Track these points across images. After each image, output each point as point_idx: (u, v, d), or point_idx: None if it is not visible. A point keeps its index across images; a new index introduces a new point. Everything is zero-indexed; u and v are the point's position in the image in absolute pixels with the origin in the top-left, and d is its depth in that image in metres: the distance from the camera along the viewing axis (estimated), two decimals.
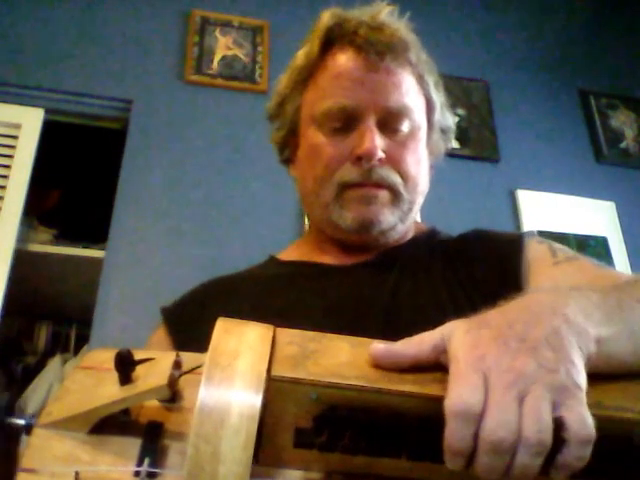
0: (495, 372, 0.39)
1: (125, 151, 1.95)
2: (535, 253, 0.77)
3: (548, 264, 0.74)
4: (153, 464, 0.40)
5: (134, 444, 0.42)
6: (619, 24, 2.74)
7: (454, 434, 0.38)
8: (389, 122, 0.79)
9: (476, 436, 0.38)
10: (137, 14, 2.17)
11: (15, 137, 1.89)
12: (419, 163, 0.82)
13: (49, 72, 1.99)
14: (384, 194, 0.78)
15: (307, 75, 0.83)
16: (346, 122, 0.79)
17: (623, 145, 2.48)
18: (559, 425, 0.38)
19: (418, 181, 0.81)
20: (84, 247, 2.01)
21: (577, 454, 0.38)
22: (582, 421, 0.38)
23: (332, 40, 0.82)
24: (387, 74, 0.79)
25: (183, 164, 1.97)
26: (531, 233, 0.83)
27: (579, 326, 0.43)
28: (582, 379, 0.40)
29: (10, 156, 1.86)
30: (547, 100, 2.48)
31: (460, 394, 0.38)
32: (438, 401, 0.39)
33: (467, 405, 0.38)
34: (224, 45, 2.18)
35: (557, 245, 0.78)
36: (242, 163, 2.00)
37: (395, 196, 0.79)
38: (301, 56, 0.85)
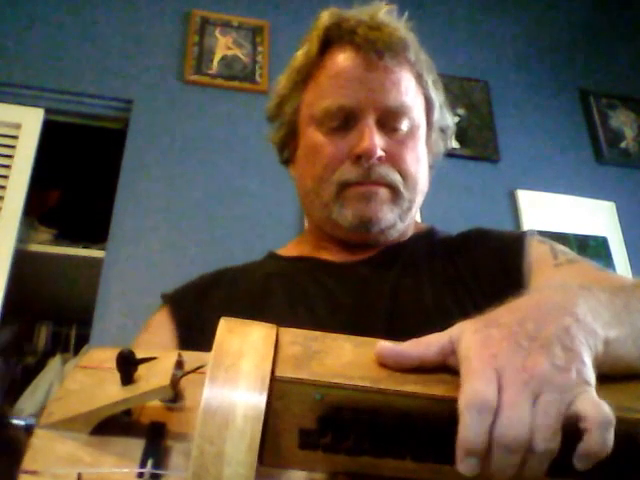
0: (508, 370, 0.39)
1: (125, 151, 1.95)
2: (536, 254, 0.77)
3: (549, 266, 0.74)
4: (156, 465, 0.40)
5: (137, 445, 0.42)
6: (619, 24, 2.74)
7: (469, 428, 0.37)
8: (388, 121, 0.79)
9: (490, 434, 0.37)
10: (137, 14, 2.17)
11: (15, 137, 1.89)
12: (418, 162, 0.82)
13: (49, 72, 1.99)
14: (384, 192, 0.78)
15: (306, 75, 0.83)
16: (345, 121, 0.79)
17: (623, 145, 2.48)
18: (576, 419, 0.38)
19: (417, 180, 0.81)
20: (84, 247, 2.01)
21: (599, 439, 0.37)
22: (597, 406, 0.38)
23: (331, 40, 0.82)
24: (386, 73, 0.79)
25: (183, 164, 1.97)
26: (532, 232, 0.82)
27: (588, 326, 0.43)
28: (592, 378, 0.40)
29: (10, 156, 1.86)
30: (547, 100, 2.48)
31: (475, 388, 0.38)
32: (443, 402, 0.39)
33: (483, 398, 0.37)
34: (224, 45, 2.18)
35: (558, 246, 0.78)
36: (242, 163, 2.00)
37: (395, 194, 0.79)
38: (300, 56, 0.85)
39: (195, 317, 0.78)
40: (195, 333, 0.74)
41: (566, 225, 2.21)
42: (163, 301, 0.85)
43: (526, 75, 2.51)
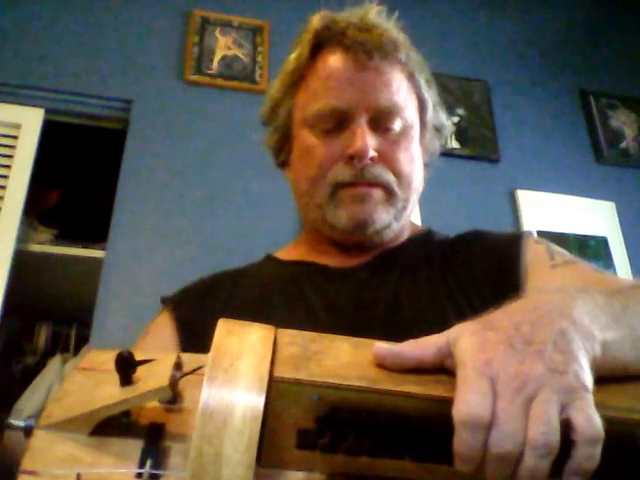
0: (502, 377, 0.39)
1: (125, 151, 1.95)
2: (533, 254, 0.77)
3: (545, 267, 0.74)
4: (155, 466, 0.40)
5: (135, 446, 0.42)
6: (619, 24, 2.74)
7: (464, 443, 0.38)
8: (380, 121, 0.79)
9: (485, 443, 0.38)
10: (137, 14, 2.17)
11: (15, 137, 1.89)
12: (412, 161, 0.82)
13: (49, 72, 1.99)
14: (378, 193, 0.78)
15: (298, 78, 0.84)
16: (337, 123, 0.79)
17: (623, 145, 2.48)
18: (567, 427, 0.38)
19: (412, 179, 0.82)
20: (84, 247, 2.01)
21: (586, 454, 0.37)
22: (590, 421, 0.38)
23: (321, 42, 0.82)
24: (376, 73, 0.79)
25: (183, 164, 1.97)
26: (529, 233, 0.83)
27: (586, 329, 0.43)
28: (589, 381, 0.40)
29: (10, 156, 1.86)
30: (547, 100, 2.48)
31: (468, 403, 0.38)
32: (441, 402, 0.39)
33: (476, 415, 0.37)
34: (224, 45, 2.18)
35: (555, 247, 0.78)
36: (242, 163, 2.00)
37: (389, 194, 0.79)
38: (292, 60, 0.85)
39: (195, 320, 0.78)
40: (196, 336, 0.74)
41: (566, 225, 2.21)
42: (163, 304, 0.85)
43: (526, 75, 2.51)
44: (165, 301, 0.85)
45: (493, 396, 0.38)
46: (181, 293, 0.87)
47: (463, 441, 0.38)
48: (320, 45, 0.82)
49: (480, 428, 0.37)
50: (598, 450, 0.38)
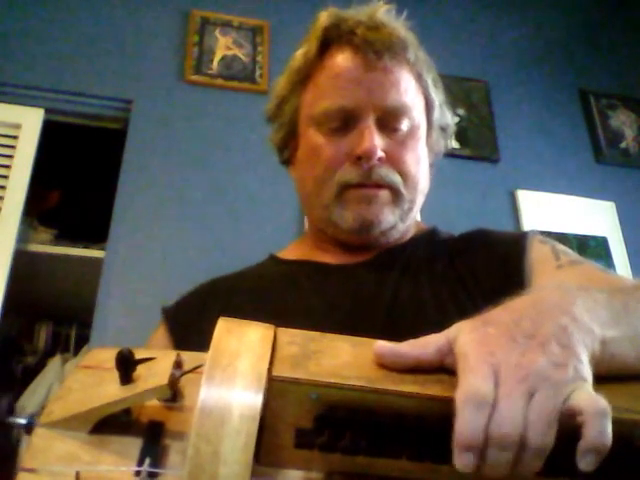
0: (505, 367, 0.39)
1: (125, 151, 1.95)
2: (538, 254, 0.76)
3: (551, 267, 0.74)
4: (154, 464, 0.40)
5: (135, 444, 0.42)
6: (620, 24, 2.74)
7: (467, 423, 0.37)
8: (388, 121, 0.79)
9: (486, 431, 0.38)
10: (137, 14, 2.17)
11: (15, 137, 1.89)
12: (419, 162, 0.82)
13: (49, 72, 1.99)
14: (384, 194, 0.78)
15: (305, 76, 0.83)
16: (345, 122, 0.79)
17: (623, 145, 2.48)
18: (572, 413, 0.38)
19: (418, 180, 0.81)
20: (84, 247, 2.01)
21: (597, 428, 0.37)
22: (592, 398, 0.38)
23: (330, 40, 0.82)
24: (385, 73, 0.79)
25: (183, 164, 1.97)
26: (533, 232, 0.82)
27: (585, 325, 0.43)
28: (589, 375, 0.40)
29: (10, 156, 1.86)
30: (547, 100, 2.48)
31: (472, 383, 0.38)
32: (440, 402, 0.39)
33: (480, 393, 0.37)
34: (224, 45, 2.18)
35: (560, 247, 0.78)
36: (242, 163, 2.00)
37: (395, 195, 0.79)
38: (299, 57, 0.85)
39: (194, 332, 0.77)
40: (195, 349, 0.74)
41: (566, 225, 2.21)
42: (162, 316, 0.85)
43: (526, 75, 2.51)
44: (163, 313, 0.85)
45: (495, 382, 0.38)
46: (178, 304, 0.86)
47: (465, 421, 0.37)
48: (328, 43, 0.81)
49: (483, 406, 0.37)
50: (608, 424, 0.37)
